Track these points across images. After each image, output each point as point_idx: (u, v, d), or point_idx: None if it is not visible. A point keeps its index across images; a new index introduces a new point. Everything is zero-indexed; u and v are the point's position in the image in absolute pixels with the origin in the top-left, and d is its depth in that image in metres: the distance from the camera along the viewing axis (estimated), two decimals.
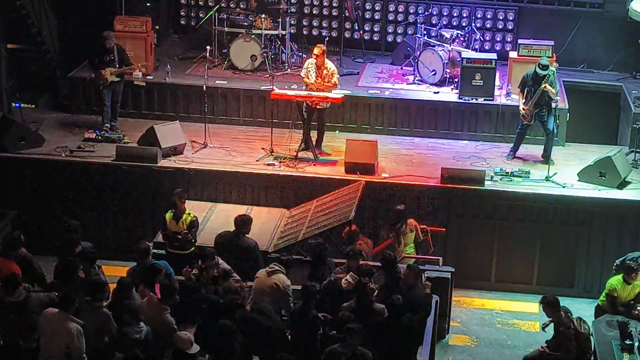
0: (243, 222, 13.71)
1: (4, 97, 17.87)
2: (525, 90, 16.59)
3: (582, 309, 15.55)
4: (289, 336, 11.94)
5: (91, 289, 11.60)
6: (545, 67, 16.35)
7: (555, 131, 16.68)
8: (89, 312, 11.42)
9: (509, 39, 20.36)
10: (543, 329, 12.74)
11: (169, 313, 11.68)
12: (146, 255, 12.87)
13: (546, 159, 16.73)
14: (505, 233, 16.07)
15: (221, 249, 13.39)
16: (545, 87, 16.33)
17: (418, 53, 18.98)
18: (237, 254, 13.40)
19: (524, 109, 16.61)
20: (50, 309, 11.36)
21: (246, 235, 13.72)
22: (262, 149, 17.10)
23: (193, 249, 14.04)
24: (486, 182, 16.02)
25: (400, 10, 20.69)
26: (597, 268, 15.89)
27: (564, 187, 16.08)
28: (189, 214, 14.22)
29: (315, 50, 16.60)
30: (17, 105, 18.20)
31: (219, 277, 12.51)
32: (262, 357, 11.74)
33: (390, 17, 20.78)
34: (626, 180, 16.21)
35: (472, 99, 18.09)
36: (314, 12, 20.94)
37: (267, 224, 15.41)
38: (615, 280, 13.32)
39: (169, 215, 14.19)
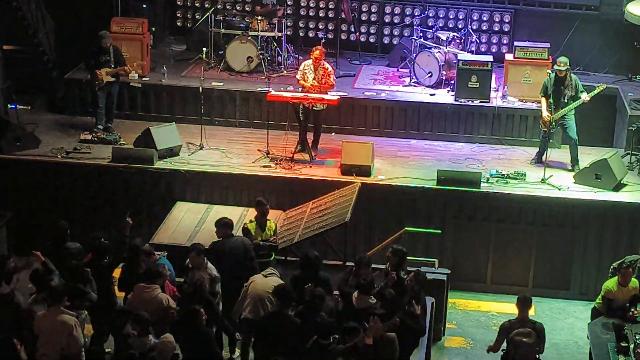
0: (228, 224, 13.43)
1: (0, 99, 17.84)
2: (549, 95, 16.31)
3: (578, 311, 15.62)
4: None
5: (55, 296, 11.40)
6: (562, 64, 16.25)
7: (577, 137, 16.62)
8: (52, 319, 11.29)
9: (505, 41, 20.35)
10: None
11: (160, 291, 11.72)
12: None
13: (573, 166, 16.64)
14: (501, 235, 16.08)
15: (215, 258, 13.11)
16: (585, 97, 16.22)
17: (414, 55, 18.97)
18: (233, 258, 13.10)
19: (548, 117, 16.34)
20: (41, 311, 11.37)
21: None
22: (258, 150, 17.10)
23: (274, 255, 13.91)
24: (482, 184, 16.03)
25: (396, 12, 20.68)
26: (593, 270, 15.90)
27: (559, 189, 16.10)
28: (269, 220, 14.10)
29: (316, 53, 16.60)
30: (13, 106, 18.15)
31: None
32: None
33: (387, 19, 20.77)
34: (622, 182, 16.21)
35: (468, 101, 18.09)
36: (310, 13, 20.93)
37: None
38: (611, 283, 13.35)
39: (251, 225, 13.93)
